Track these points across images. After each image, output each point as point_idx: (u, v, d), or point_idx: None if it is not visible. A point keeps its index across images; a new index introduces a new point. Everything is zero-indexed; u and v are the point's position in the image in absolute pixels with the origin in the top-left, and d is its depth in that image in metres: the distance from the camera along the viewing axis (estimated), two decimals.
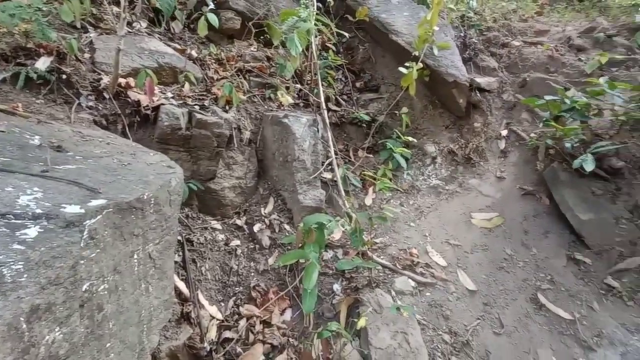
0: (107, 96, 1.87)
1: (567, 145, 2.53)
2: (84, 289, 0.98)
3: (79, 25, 2.15)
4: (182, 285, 1.99)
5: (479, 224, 2.66)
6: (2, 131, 1.33)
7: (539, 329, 2.07)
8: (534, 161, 2.86)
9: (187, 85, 2.14)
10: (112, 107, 1.89)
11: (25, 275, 0.81)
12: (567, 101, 2.60)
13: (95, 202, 1.05)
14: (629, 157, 2.50)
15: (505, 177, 2.95)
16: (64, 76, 1.81)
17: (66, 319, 0.90)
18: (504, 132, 3.19)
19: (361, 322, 1.85)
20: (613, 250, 2.34)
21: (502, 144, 3.16)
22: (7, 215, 0.90)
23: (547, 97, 2.72)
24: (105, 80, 1.88)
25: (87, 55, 2.02)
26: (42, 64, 1.71)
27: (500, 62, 3.61)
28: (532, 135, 2.97)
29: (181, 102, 2.08)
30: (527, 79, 3.33)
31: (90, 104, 1.82)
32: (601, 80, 2.60)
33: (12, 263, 0.80)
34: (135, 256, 1.30)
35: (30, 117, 1.60)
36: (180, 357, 1.81)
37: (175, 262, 2.07)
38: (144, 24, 2.45)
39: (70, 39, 1.86)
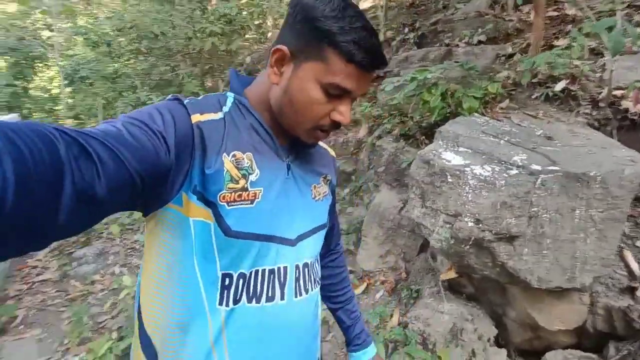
0: (602, 105, 2.46)
1: None
2: (533, 209, 1.81)
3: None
4: (635, 266, 2.25)
5: None
6: (523, 125, 2.37)
7: None
8: None
9: None
10: (605, 113, 2.46)
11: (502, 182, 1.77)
12: None
13: (550, 167, 1.83)
14: None
15: None
16: (573, 92, 2.59)
17: (518, 217, 1.79)
18: None
19: None
20: None
21: None
22: (507, 164, 1.90)
23: None
24: (604, 93, 2.47)
25: (598, 75, 2.66)
26: (559, 86, 2.59)
27: None
28: None
29: None
30: None
31: (587, 111, 2.49)
32: None
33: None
34: (577, 211, 1.93)
35: (543, 119, 2.54)
36: (613, 315, 2.16)
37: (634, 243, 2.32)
38: None
39: (583, 65, 2.60)
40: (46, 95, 6.56)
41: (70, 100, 6.14)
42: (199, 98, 0.69)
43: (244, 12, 6.13)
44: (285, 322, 0.72)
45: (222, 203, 0.63)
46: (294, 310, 0.73)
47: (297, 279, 0.74)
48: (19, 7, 7.12)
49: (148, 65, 6.66)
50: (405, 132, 2.83)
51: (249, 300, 0.67)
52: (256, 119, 0.71)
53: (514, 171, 1.86)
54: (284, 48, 0.66)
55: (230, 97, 0.72)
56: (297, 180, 0.76)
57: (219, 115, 0.67)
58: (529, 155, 1.98)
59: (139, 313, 0.72)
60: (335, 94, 0.64)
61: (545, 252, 1.89)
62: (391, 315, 2.47)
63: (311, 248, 0.79)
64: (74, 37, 5.94)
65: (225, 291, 0.66)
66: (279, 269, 0.71)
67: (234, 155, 0.65)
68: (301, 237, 0.75)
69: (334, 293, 1.05)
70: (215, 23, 5.54)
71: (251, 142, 0.69)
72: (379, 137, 3.11)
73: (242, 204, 0.65)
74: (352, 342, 1.04)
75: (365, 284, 3.01)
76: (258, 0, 5.58)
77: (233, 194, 0.64)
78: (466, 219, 1.89)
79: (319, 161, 0.86)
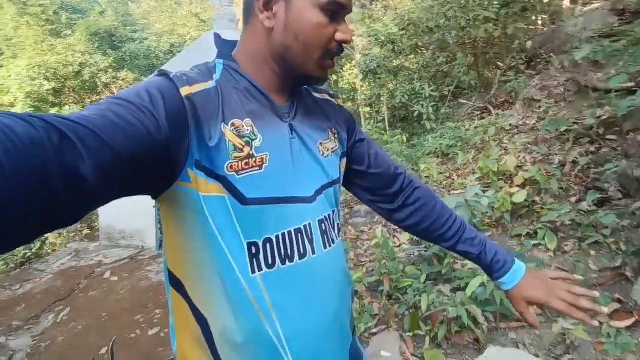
0: None
1: None
2: None
3: None
4: None
5: None
6: None
7: None
8: None
9: None
10: None
11: None
12: None
13: None
14: None
15: None
16: None
17: None
18: None
19: None
20: None
21: None
22: None
23: None
24: None
25: None
26: None
27: None
28: None
29: None
30: None
31: None
32: None
33: None
34: None
35: None
36: None
37: None
38: None
39: None
40: (349, 87, 8.42)
41: (364, 90, 7.54)
42: (187, 70, 0.68)
43: None
44: (321, 273, 0.74)
45: (230, 173, 0.63)
46: (326, 260, 0.74)
47: (324, 232, 0.75)
48: None
49: (426, 58, 7.12)
50: None
51: (283, 262, 0.68)
52: (249, 82, 0.69)
53: None
54: None
55: (220, 63, 0.70)
56: (303, 139, 0.74)
57: (211, 84, 0.66)
58: None
59: (181, 286, 0.70)
60: (333, 11, 0.66)
61: None
62: None
63: (330, 201, 0.79)
64: (367, 38, 7.15)
65: (255, 259, 0.66)
66: (305, 227, 0.71)
67: (233, 124, 0.64)
68: (318, 192, 0.75)
69: (442, 230, 0.93)
70: (489, 8, 5.22)
71: (248, 107, 0.68)
72: None
73: (251, 171, 0.64)
74: (494, 269, 0.89)
75: (633, 319, 2.45)
76: None
77: (240, 162, 0.63)
78: None
79: (324, 115, 0.82)
